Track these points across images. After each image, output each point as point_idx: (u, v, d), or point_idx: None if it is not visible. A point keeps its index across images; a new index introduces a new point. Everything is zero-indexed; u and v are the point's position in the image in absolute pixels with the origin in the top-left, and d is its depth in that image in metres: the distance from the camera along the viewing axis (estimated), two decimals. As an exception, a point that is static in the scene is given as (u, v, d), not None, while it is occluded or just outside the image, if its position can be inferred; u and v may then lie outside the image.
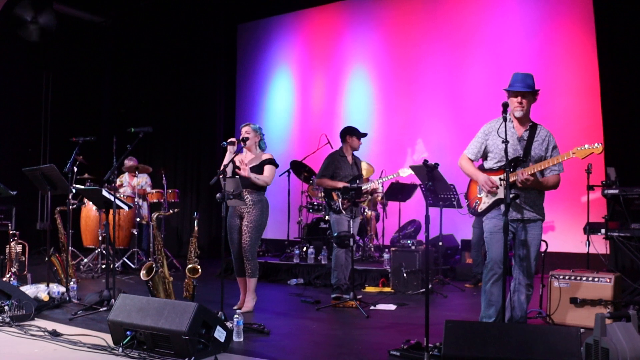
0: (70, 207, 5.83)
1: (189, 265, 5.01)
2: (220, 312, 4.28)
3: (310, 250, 7.33)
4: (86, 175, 8.00)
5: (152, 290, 4.95)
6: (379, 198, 7.86)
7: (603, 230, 5.28)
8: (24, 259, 6.17)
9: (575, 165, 4.83)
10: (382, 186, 7.66)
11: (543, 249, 4.09)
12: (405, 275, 6.20)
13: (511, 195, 3.50)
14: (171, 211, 6.02)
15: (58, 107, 10.23)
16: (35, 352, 3.73)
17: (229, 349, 3.77)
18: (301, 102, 9.76)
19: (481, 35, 8.02)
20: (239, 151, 5.05)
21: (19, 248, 6.10)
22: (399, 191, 7.26)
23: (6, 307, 4.41)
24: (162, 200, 7.98)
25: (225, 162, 4.97)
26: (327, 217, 7.35)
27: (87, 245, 8.06)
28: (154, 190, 8.09)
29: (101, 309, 4.84)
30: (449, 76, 8.26)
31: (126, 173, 8.19)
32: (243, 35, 10.45)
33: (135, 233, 7.87)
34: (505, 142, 3.47)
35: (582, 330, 4.12)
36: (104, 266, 7.30)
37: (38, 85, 10.06)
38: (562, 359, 2.89)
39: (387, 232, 7.93)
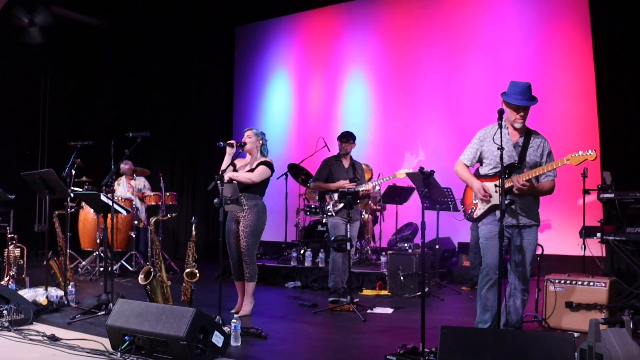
0: (69, 210, 5.85)
1: (187, 270, 5.03)
2: (218, 317, 4.30)
3: (308, 253, 7.36)
4: (84, 178, 8.02)
5: (150, 294, 4.97)
6: (375, 204, 7.89)
7: (599, 234, 5.32)
8: (22, 262, 6.18)
9: (571, 168, 4.84)
10: (380, 189, 7.69)
11: (539, 252, 4.12)
12: (402, 278, 6.23)
13: (506, 202, 3.53)
14: (169, 215, 6.03)
15: (56, 109, 10.23)
16: (34, 357, 3.74)
17: (226, 353, 3.78)
18: (299, 105, 9.78)
19: (478, 38, 8.06)
20: (237, 155, 5.07)
21: (17, 251, 6.11)
22: (396, 194, 7.30)
23: (5, 312, 4.42)
24: (159, 203, 8.00)
25: (223, 165, 4.99)
26: (324, 220, 7.38)
27: (85, 248, 8.07)
28: (152, 193, 8.11)
29: (99, 313, 4.86)
30: (446, 79, 8.30)
31: (123, 176, 8.21)
32: (241, 38, 10.47)
33: (133, 236, 7.88)
34: (501, 149, 3.49)
35: (577, 334, 4.17)
36: (102, 269, 7.32)
37: (36, 87, 10.07)
38: (556, 364, 2.92)
39: (384, 235, 7.96)
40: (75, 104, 10.50)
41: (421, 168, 3.56)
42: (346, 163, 5.93)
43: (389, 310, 5.42)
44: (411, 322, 4.88)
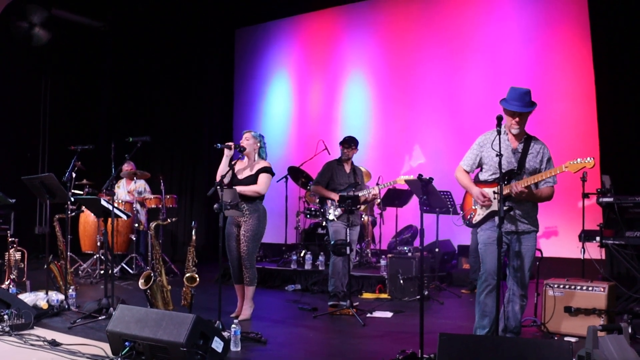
0: (69, 214, 5.86)
1: (187, 274, 5.04)
2: (217, 322, 4.32)
3: (308, 256, 7.37)
4: (84, 182, 8.02)
5: (150, 298, 4.99)
6: (377, 202, 7.90)
7: (598, 238, 5.33)
8: (22, 265, 6.20)
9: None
10: (380, 192, 7.70)
11: (538, 256, 4.12)
12: (402, 281, 6.24)
13: (505, 208, 3.54)
14: (169, 220, 6.05)
15: (57, 112, 10.24)
16: (34, 363, 3.77)
17: (226, 359, 3.80)
18: (299, 108, 9.79)
19: (478, 41, 8.06)
20: (235, 158, 5.07)
21: (17, 255, 6.12)
22: (396, 197, 7.30)
23: (6, 316, 4.43)
24: (160, 206, 8.02)
25: (221, 168, 4.99)
26: (324, 223, 7.39)
27: (85, 251, 8.09)
28: (152, 196, 8.12)
29: (100, 317, 4.87)
30: (446, 82, 8.31)
31: (124, 179, 8.22)
32: (240, 40, 10.48)
33: (134, 238, 7.89)
34: (500, 155, 3.50)
35: (575, 339, 4.19)
36: (102, 272, 7.34)
37: (37, 90, 10.08)
38: (554, 371, 2.93)
39: (384, 237, 7.97)
40: (75, 106, 10.50)
41: (420, 175, 3.57)
42: (347, 168, 5.96)
43: (389, 314, 5.44)
44: (411, 326, 4.89)
